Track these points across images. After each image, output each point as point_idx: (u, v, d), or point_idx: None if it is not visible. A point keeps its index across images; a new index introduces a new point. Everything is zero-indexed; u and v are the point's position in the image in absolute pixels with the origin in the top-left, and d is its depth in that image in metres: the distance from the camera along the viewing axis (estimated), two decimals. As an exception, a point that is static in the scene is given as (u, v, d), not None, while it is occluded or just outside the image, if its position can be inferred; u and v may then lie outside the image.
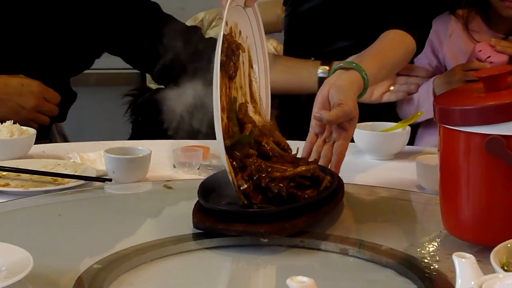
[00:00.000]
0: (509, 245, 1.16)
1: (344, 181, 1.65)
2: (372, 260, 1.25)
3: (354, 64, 1.60)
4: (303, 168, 1.35)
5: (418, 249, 1.28)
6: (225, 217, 1.28)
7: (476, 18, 2.18)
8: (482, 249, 1.23)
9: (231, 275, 1.26)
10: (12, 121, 1.84)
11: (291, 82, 2.05)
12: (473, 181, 1.25)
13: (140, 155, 1.64)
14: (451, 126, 1.25)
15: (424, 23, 1.91)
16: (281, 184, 1.31)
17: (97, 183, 1.61)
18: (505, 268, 1.08)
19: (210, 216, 1.29)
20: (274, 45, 3.23)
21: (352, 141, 1.85)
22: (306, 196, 1.33)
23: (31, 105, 2.07)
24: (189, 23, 3.51)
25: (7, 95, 2.06)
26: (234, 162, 1.33)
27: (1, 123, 1.82)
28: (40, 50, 2.17)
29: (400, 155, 1.85)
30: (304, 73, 2.01)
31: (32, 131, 1.83)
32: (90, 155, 1.78)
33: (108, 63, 2.56)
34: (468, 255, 1.00)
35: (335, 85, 1.56)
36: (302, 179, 1.35)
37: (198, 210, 1.32)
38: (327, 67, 2.01)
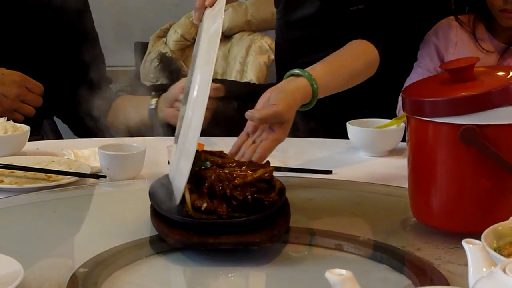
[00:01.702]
0: (500, 228, 1.19)
1: (338, 178, 1.66)
2: (359, 253, 1.26)
3: (306, 73, 1.60)
4: (262, 171, 1.31)
5: (396, 239, 1.30)
6: (208, 230, 1.23)
7: (480, 26, 2.17)
8: (452, 235, 1.27)
9: (231, 271, 1.24)
10: (6, 118, 1.84)
11: (132, 118, 2.11)
12: (446, 170, 1.28)
13: (135, 152, 1.64)
14: (425, 117, 1.27)
15: (395, 35, 1.89)
16: (243, 190, 1.27)
17: (92, 180, 1.61)
18: (498, 252, 1.09)
19: (189, 231, 1.23)
20: (268, 42, 3.24)
21: (347, 137, 1.86)
22: (271, 199, 1.29)
23: (14, 93, 2.06)
24: (183, 20, 3.52)
25: None
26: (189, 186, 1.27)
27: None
28: (19, 50, 2.18)
29: (394, 152, 1.85)
30: (140, 108, 2.07)
31: (25, 128, 1.82)
32: (84, 152, 1.78)
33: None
34: (476, 241, 1.01)
35: (278, 88, 1.57)
36: (261, 183, 1.31)
37: (169, 226, 1.25)
38: (156, 99, 2.03)
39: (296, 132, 2.21)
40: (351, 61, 1.76)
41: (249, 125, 1.57)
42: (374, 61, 1.81)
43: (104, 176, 1.60)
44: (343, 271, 0.83)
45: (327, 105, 2.18)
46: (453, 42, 2.17)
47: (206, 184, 1.27)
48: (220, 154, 1.39)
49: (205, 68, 1.28)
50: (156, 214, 1.30)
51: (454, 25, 2.18)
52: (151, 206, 1.33)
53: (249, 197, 1.26)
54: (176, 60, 3.44)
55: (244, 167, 1.32)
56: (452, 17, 2.20)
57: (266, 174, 1.31)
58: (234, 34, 3.39)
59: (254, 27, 3.40)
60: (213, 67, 1.26)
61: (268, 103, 1.55)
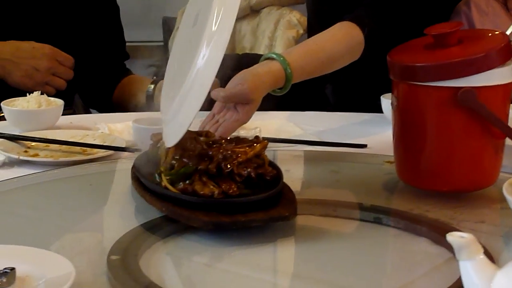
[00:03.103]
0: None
1: (373, 152, 1.65)
2: (403, 228, 1.25)
3: (281, 58, 1.58)
4: (260, 147, 1.30)
5: (399, 203, 1.35)
6: (236, 208, 1.21)
7: None
8: (450, 196, 1.34)
9: (273, 244, 1.24)
10: (40, 91, 1.85)
11: (133, 99, 2.18)
12: (438, 132, 1.33)
13: (169, 126, 1.64)
14: (417, 82, 1.31)
15: (387, 16, 1.82)
16: (246, 167, 1.26)
17: (126, 154, 1.61)
18: None
19: (211, 212, 1.21)
20: (297, 16, 3.22)
21: (381, 111, 1.85)
22: (272, 174, 1.28)
23: (45, 66, 2.07)
24: (181, 11, 3.51)
25: (20, 59, 2.07)
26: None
27: (28, 94, 1.83)
28: (48, 22, 2.21)
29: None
30: (142, 91, 2.09)
31: (59, 102, 1.83)
32: (118, 126, 1.79)
33: (131, 35, 2.57)
34: None
35: (249, 70, 1.55)
36: (256, 158, 1.29)
37: (185, 208, 1.22)
38: (154, 85, 2.02)
39: (327, 107, 2.21)
40: (332, 44, 1.71)
41: (216, 106, 1.56)
42: (358, 44, 1.74)
43: (139, 150, 1.61)
44: (464, 234, 0.84)
45: (359, 80, 2.18)
46: (484, 13, 2.16)
47: (213, 164, 1.25)
48: (207, 134, 1.38)
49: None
50: (158, 197, 1.26)
51: None
52: (145, 189, 1.30)
53: (252, 173, 1.26)
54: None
55: (234, 144, 1.31)
56: None
57: (263, 149, 1.30)
58: (263, 8, 3.38)
59: (282, 1, 3.38)
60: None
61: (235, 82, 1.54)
